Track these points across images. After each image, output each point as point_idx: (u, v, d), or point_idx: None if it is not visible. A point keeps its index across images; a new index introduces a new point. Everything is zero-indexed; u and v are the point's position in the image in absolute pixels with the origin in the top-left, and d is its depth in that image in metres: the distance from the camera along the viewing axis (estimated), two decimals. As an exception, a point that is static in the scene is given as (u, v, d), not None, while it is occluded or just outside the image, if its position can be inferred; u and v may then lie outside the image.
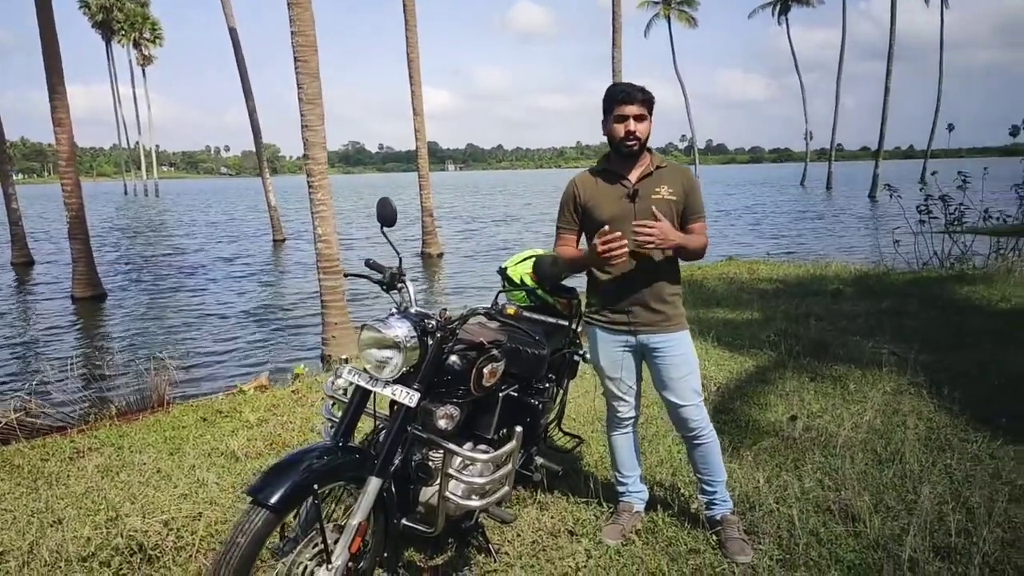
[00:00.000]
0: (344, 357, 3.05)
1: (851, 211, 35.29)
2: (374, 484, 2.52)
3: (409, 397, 2.56)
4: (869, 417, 4.55)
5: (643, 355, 3.22)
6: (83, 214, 14.44)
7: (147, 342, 11.08)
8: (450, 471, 2.68)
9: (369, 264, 3.05)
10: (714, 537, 3.22)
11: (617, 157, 3.15)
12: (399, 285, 2.91)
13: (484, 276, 16.84)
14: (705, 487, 3.31)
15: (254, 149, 26.59)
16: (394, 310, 2.76)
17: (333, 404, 3.02)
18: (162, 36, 70.06)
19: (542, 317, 2.72)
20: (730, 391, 5.27)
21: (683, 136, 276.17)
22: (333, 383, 2.98)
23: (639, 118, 3.02)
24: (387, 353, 2.58)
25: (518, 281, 3.57)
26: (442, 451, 2.73)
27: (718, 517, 3.28)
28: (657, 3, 57.85)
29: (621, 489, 3.46)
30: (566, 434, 3.96)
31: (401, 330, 2.56)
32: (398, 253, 2.95)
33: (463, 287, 15.74)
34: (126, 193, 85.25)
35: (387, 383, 2.60)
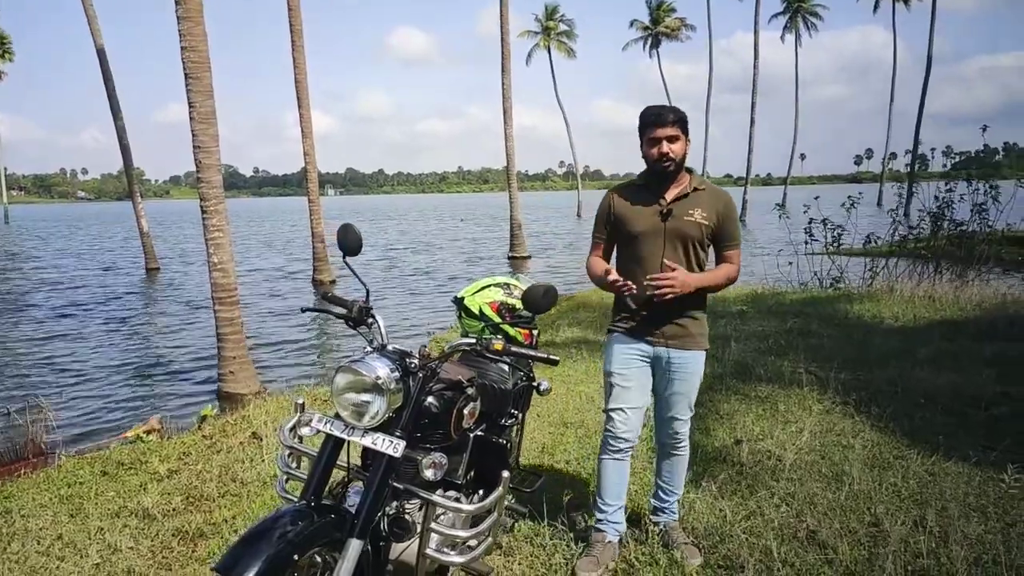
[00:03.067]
0: (300, 401, 2.72)
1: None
2: (355, 547, 2.23)
3: (393, 447, 2.29)
4: (807, 439, 4.61)
5: (656, 368, 3.19)
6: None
7: (8, 384, 9.97)
8: (433, 525, 2.42)
9: (328, 298, 2.76)
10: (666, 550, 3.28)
11: (654, 175, 3.13)
12: (369, 320, 2.64)
13: (395, 310, 15.86)
14: (662, 494, 3.43)
15: (114, 172, 25.11)
16: (368, 348, 2.48)
17: (289, 454, 2.69)
18: (12, 52, 64.73)
19: (529, 352, 2.53)
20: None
21: (561, 162, 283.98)
22: (291, 432, 2.65)
23: (672, 139, 3.04)
24: (366, 397, 2.31)
25: (476, 312, 3.36)
26: (418, 502, 2.49)
27: (662, 524, 3.40)
28: (538, 33, 59.18)
29: (599, 516, 3.33)
30: (525, 471, 3.76)
31: (382, 371, 2.30)
32: (365, 284, 2.67)
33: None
34: (-30, 219, 77.81)
35: (366, 431, 2.33)
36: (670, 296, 2.95)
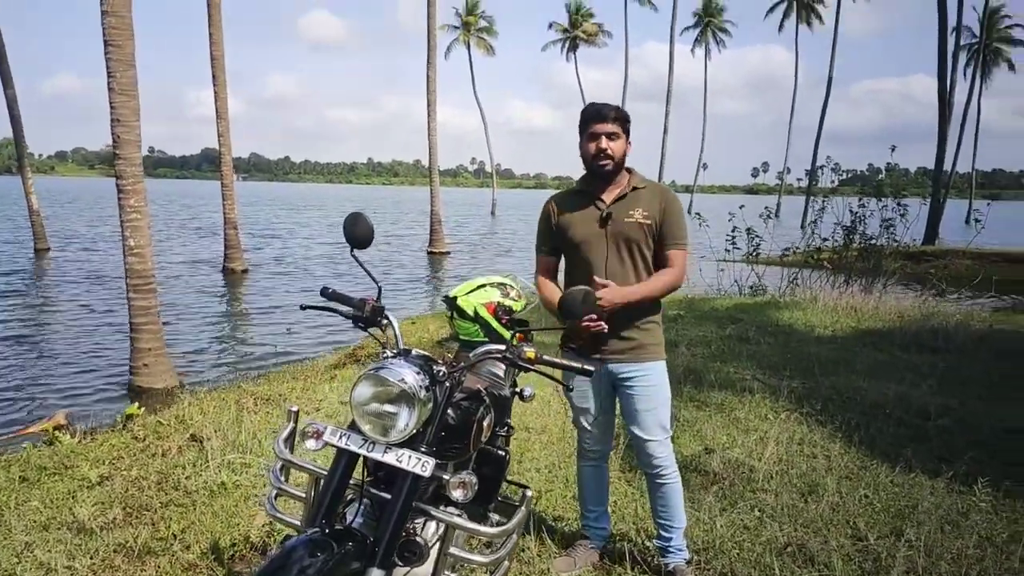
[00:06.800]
0: (295, 409, 2.42)
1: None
2: (376, 578, 1.98)
3: (422, 465, 2.04)
4: (772, 448, 4.59)
5: (613, 385, 3.04)
6: None
7: None
8: (452, 550, 2.19)
9: (330, 295, 2.47)
10: None
11: (593, 177, 3.00)
12: (382, 321, 2.38)
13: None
14: (662, 532, 3.16)
15: None
16: (388, 353, 2.22)
17: (281, 467, 2.39)
18: None
19: (563, 361, 2.33)
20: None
21: (473, 159, 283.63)
22: (286, 443, 2.35)
23: (612, 136, 2.89)
24: (392, 408, 2.06)
25: (471, 313, 3.13)
26: (425, 521, 2.25)
27: (671, 567, 3.13)
28: (457, 28, 58.67)
29: (583, 522, 3.32)
30: (510, 483, 3.55)
31: (410, 379, 2.05)
32: (376, 281, 2.40)
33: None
34: None
35: (388, 447, 2.07)
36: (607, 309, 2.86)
